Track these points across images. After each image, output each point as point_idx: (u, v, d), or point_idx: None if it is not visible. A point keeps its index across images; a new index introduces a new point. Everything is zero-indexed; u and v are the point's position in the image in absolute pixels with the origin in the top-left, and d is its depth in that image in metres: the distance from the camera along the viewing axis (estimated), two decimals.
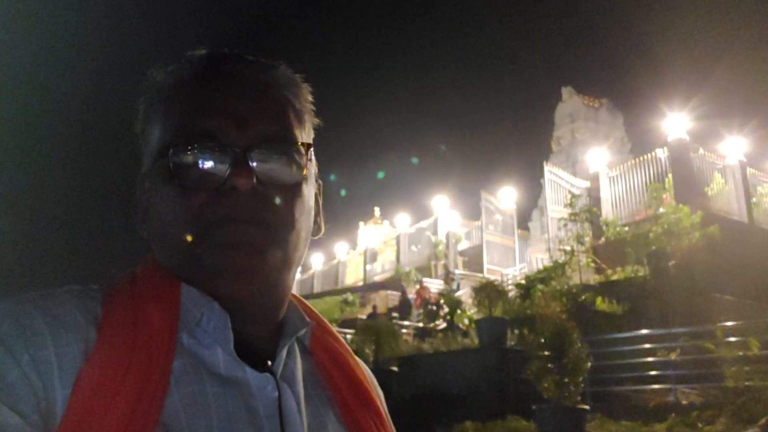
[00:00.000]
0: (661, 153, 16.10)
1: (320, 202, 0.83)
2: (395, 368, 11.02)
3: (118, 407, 0.59)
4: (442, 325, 15.10)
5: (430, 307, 16.00)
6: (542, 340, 7.80)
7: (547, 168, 18.67)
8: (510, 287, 15.33)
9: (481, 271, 20.10)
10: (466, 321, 13.43)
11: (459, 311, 14.23)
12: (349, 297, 21.34)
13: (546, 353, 7.69)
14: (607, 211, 16.74)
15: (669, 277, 12.08)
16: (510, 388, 9.76)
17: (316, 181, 0.82)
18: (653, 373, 8.94)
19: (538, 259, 18.36)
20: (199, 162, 0.70)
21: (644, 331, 9.56)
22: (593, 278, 13.95)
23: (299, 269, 0.81)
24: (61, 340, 0.61)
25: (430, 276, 21.53)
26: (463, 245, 23.74)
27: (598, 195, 17.36)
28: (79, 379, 0.60)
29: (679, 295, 11.31)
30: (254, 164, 0.70)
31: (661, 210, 13.37)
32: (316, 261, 31.60)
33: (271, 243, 0.70)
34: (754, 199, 16.30)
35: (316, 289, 29.60)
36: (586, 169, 19.67)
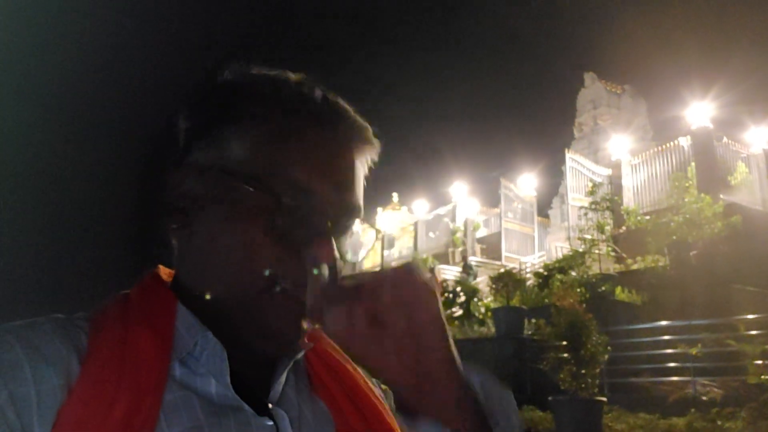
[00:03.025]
0: (684, 141, 15.86)
1: None
2: None
3: None
4: (458, 312, 15.06)
5: (446, 295, 15.95)
6: (559, 331, 7.74)
7: (569, 155, 18.49)
8: (528, 276, 15.25)
9: (499, 259, 20.00)
10: (483, 310, 13.38)
11: (476, 300, 14.18)
12: None
13: (563, 344, 7.63)
14: (628, 199, 16.56)
15: (690, 267, 11.93)
16: (526, 379, 9.73)
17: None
18: (672, 365, 8.86)
19: (558, 247, 18.23)
20: (297, 219, 0.65)
21: (664, 323, 9.45)
22: (613, 267, 13.81)
23: None
24: (41, 375, 0.58)
25: (447, 263, 21.48)
26: (482, 233, 23.63)
27: (619, 183, 17.17)
28: (59, 417, 0.57)
29: (700, 285, 11.16)
30: (336, 236, 0.65)
31: (685, 199, 13.16)
32: None
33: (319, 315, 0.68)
34: None
35: None
36: (608, 157, 19.46)
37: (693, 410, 6.87)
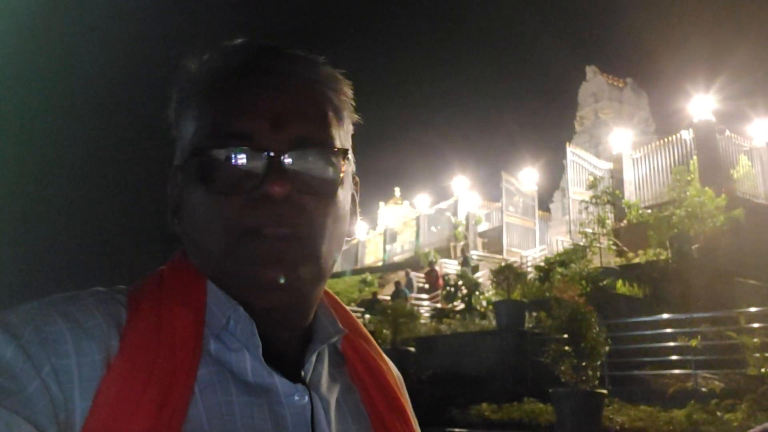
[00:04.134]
0: (686, 134, 15.81)
1: (357, 201, 0.80)
2: (412, 349, 11.03)
3: (139, 419, 0.57)
4: (460, 306, 15.08)
5: (448, 288, 15.97)
6: (559, 324, 7.73)
7: (570, 149, 18.45)
8: (529, 269, 15.24)
9: (501, 253, 20.00)
10: (484, 303, 13.38)
11: (477, 293, 14.18)
12: (368, 277, 21.38)
13: (563, 336, 7.63)
14: (629, 193, 16.52)
15: (691, 260, 11.91)
16: (527, 371, 9.74)
17: (354, 178, 0.78)
18: (673, 358, 8.85)
19: (559, 241, 18.20)
20: (232, 166, 0.66)
21: (665, 316, 9.44)
22: (614, 261, 13.79)
23: None
24: (83, 349, 0.59)
25: (449, 257, 21.48)
26: (483, 227, 23.62)
27: (620, 177, 17.12)
28: (99, 391, 0.58)
29: (702, 279, 11.15)
30: (289, 169, 0.66)
31: (687, 193, 13.13)
32: None
33: (305, 256, 0.67)
34: None
35: (336, 268, 29.66)
36: (609, 150, 19.42)
37: (693, 402, 6.85)
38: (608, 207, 14.86)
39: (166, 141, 0.77)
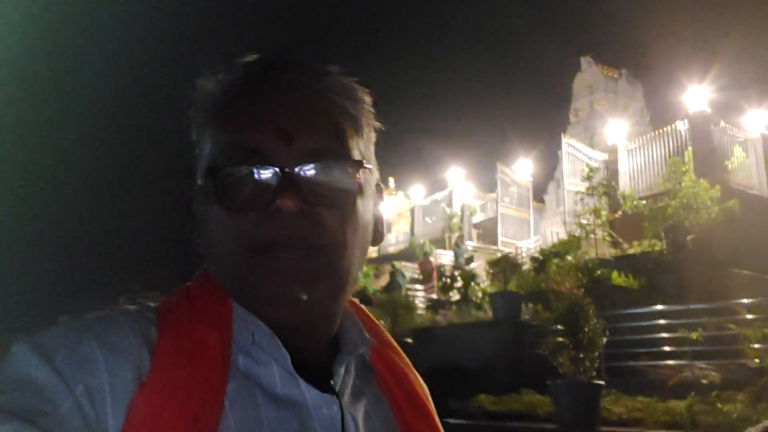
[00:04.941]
0: (681, 125, 15.83)
1: (380, 209, 0.79)
2: (410, 340, 11.05)
3: None
4: (455, 296, 15.11)
5: (444, 279, 15.99)
6: (557, 316, 7.76)
7: (565, 140, 18.45)
8: (524, 260, 15.28)
9: (495, 244, 20.03)
10: (480, 294, 13.42)
11: (473, 284, 14.21)
12: (363, 268, 21.36)
13: (561, 328, 7.66)
14: (624, 184, 16.54)
15: (686, 251, 11.97)
16: (525, 363, 9.78)
17: (377, 185, 0.78)
18: (669, 349, 8.90)
19: (553, 232, 18.25)
20: (244, 183, 0.66)
21: (660, 307, 9.48)
22: (609, 252, 13.84)
23: None
24: (114, 368, 0.60)
25: (444, 248, 21.50)
26: (478, 218, 23.64)
27: (615, 168, 17.14)
28: (131, 408, 0.59)
29: (697, 269, 11.20)
30: (302, 183, 0.66)
31: (682, 184, 13.17)
32: None
33: (321, 270, 0.67)
34: None
35: None
36: (604, 142, 19.44)
37: (693, 393, 6.89)
38: (603, 198, 14.90)
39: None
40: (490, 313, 11.41)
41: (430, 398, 0.82)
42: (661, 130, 16.83)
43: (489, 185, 24.00)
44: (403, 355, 0.83)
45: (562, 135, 18.97)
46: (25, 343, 0.61)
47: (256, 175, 0.66)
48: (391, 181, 35.54)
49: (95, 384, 0.58)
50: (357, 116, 0.73)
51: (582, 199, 14.70)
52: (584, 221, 14.37)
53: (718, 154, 14.95)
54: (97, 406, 0.58)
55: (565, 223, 16.97)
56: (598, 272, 11.19)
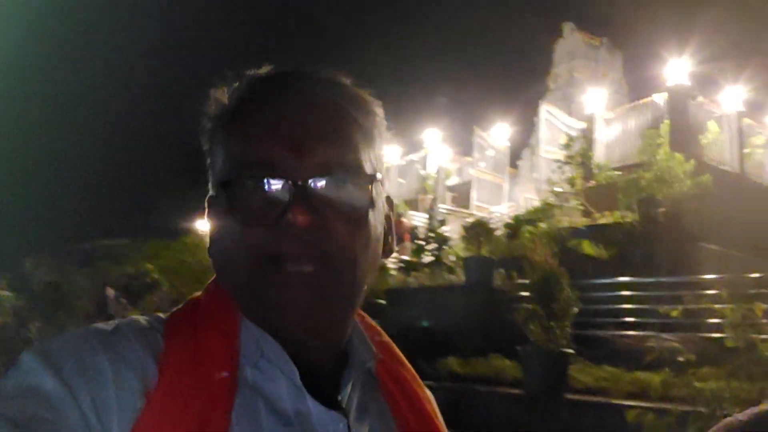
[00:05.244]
0: (659, 98, 15.88)
1: (392, 219, 0.79)
2: (383, 301, 11.07)
3: None
4: (427, 258, 15.15)
5: (417, 242, 16.02)
6: (532, 284, 7.82)
7: (544, 107, 18.42)
8: (498, 226, 15.35)
9: (469, 208, 20.10)
10: (454, 258, 13.47)
11: (446, 247, 14.26)
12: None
13: (533, 296, 7.73)
14: (600, 153, 16.62)
15: (657, 224, 12.09)
16: (494, 328, 9.87)
17: (387, 199, 0.78)
18: (637, 320, 9.06)
19: (527, 198, 18.35)
20: (256, 196, 0.67)
21: (629, 278, 9.62)
22: (581, 221, 13.96)
23: None
24: (122, 380, 0.60)
25: (416, 210, 21.52)
26: (453, 181, 23.64)
27: (591, 137, 17.19)
28: (137, 422, 0.59)
29: (667, 242, 11.36)
30: (313, 196, 0.66)
31: (657, 157, 13.28)
32: None
33: (330, 284, 0.67)
34: (747, 150, 16.23)
35: None
36: (582, 110, 19.43)
37: (660, 365, 7.03)
38: (580, 168, 14.98)
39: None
40: (462, 277, 11.46)
41: (438, 413, 0.82)
42: (638, 102, 16.89)
43: (465, 149, 23.94)
44: (411, 368, 0.82)
45: (541, 102, 18.93)
46: (34, 351, 0.61)
47: (267, 188, 0.66)
48: None
49: (102, 397, 0.58)
50: (369, 128, 0.73)
51: (560, 167, 14.74)
52: (558, 189, 14.45)
53: (693, 129, 15.08)
54: (104, 419, 0.58)
55: (539, 190, 17.05)
56: (571, 241, 11.29)
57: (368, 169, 0.70)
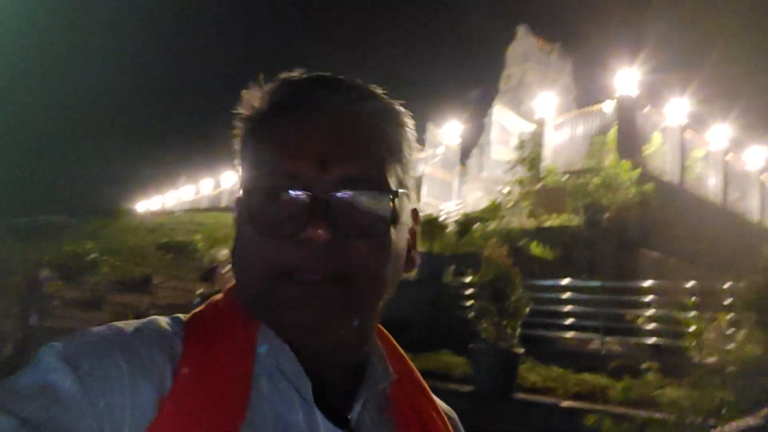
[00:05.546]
0: (608, 106, 16.32)
1: (416, 233, 0.78)
2: None
3: None
4: None
5: None
6: (485, 282, 7.91)
7: (497, 107, 18.67)
8: (447, 223, 15.50)
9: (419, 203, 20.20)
10: None
11: None
12: None
13: (486, 294, 7.82)
14: (548, 157, 16.99)
15: (601, 228, 12.47)
16: (443, 323, 9.98)
17: (413, 212, 0.77)
18: (580, 322, 9.31)
19: (476, 197, 18.59)
20: (277, 207, 0.66)
21: (573, 281, 9.86)
22: (528, 223, 14.24)
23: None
24: (138, 386, 0.60)
25: None
26: None
27: (540, 140, 17.54)
28: (149, 429, 0.59)
29: (609, 247, 11.75)
30: (334, 211, 0.65)
31: (604, 163, 13.66)
32: None
33: (345, 298, 0.66)
34: (688, 162, 16.87)
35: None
36: (531, 112, 19.80)
37: (600, 366, 7.27)
38: (532, 170, 15.25)
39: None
40: (413, 272, 11.52)
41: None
42: (587, 108, 17.32)
43: (417, 144, 24.03)
44: (428, 390, 0.80)
45: (493, 102, 19.19)
46: (53, 348, 0.60)
47: (288, 200, 0.66)
48: None
49: (117, 401, 0.58)
50: (398, 141, 0.73)
51: (512, 168, 14.98)
52: (507, 189, 14.68)
53: (639, 138, 15.56)
54: (116, 424, 0.57)
55: (487, 190, 17.29)
56: (521, 242, 11.50)
57: (393, 184, 0.69)
